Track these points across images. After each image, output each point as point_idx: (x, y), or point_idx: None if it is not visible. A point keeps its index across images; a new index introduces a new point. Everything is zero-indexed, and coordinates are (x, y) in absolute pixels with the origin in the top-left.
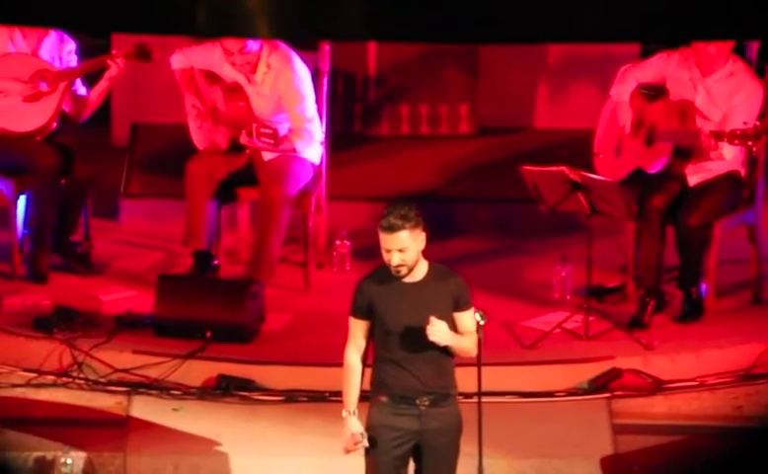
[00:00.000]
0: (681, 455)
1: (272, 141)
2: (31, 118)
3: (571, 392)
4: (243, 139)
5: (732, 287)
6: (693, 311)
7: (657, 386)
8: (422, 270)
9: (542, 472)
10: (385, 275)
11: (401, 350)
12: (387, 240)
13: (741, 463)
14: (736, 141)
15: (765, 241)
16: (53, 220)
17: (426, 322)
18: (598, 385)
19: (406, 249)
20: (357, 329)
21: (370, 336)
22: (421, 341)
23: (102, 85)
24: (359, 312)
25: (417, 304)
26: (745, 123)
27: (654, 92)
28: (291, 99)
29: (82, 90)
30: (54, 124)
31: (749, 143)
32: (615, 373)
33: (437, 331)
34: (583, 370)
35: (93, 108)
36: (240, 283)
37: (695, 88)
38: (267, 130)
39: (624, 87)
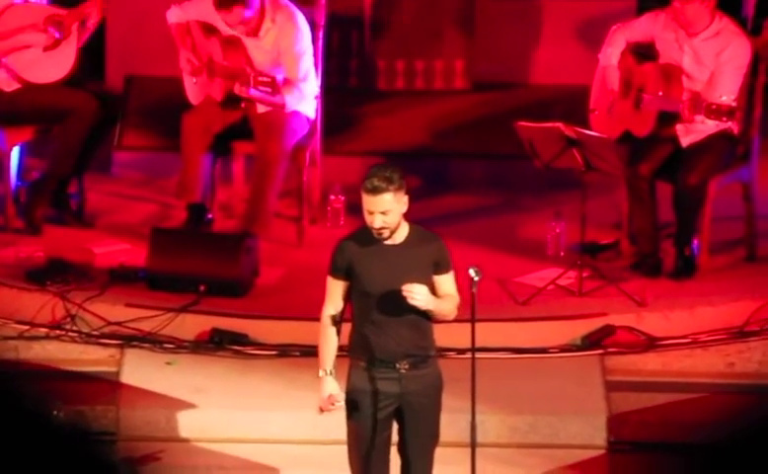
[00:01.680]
0: (674, 412)
1: (270, 89)
2: (54, 67)
3: (564, 349)
4: (237, 89)
5: (726, 245)
6: (686, 268)
7: (650, 343)
8: (402, 232)
9: (535, 428)
10: (366, 236)
11: (379, 313)
12: (370, 202)
13: (733, 420)
14: (712, 116)
15: (760, 199)
16: (69, 171)
17: (405, 285)
18: (591, 342)
19: (389, 211)
20: (335, 289)
21: (348, 296)
22: (399, 304)
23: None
24: (338, 272)
25: (396, 267)
26: (721, 96)
27: (645, 52)
28: (290, 56)
29: None
30: (78, 66)
31: (724, 119)
32: (608, 330)
33: (417, 295)
34: (577, 327)
35: (87, 35)
36: (234, 237)
37: (681, 49)
38: (265, 78)
39: (612, 49)
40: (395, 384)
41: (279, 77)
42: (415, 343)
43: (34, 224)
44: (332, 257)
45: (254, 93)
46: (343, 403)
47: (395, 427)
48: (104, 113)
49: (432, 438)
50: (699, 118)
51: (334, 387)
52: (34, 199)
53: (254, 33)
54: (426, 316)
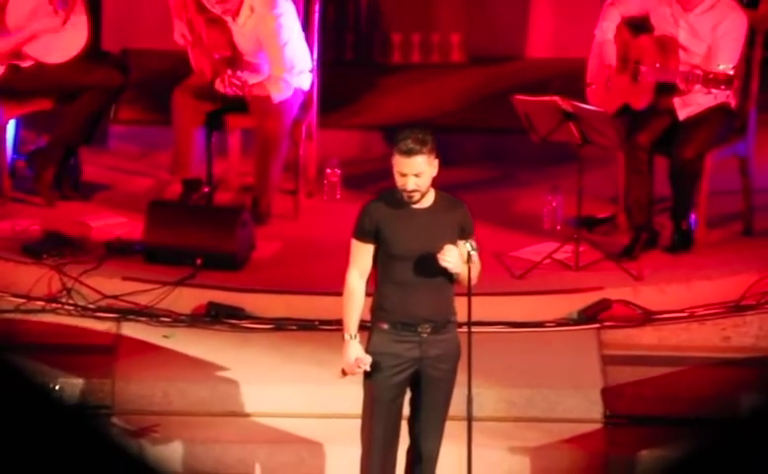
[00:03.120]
0: (670, 386)
1: (240, 93)
2: (71, 41)
3: (560, 323)
4: (217, 85)
5: (723, 219)
6: (683, 242)
7: (647, 317)
8: (429, 197)
9: (531, 402)
10: (392, 199)
11: (405, 276)
12: (404, 164)
13: (728, 394)
14: (710, 85)
15: (756, 173)
16: (78, 142)
17: (433, 249)
18: (588, 316)
19: (421, 174)
20: (362, 252)
21: (374, 260)
22: (426, 267)
23: None
24: (366, 235)
25: (424, 231)
26: (718, 65)
27: (640, 25)
28: (273, 45)
29: None
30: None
31: (722, 88)
32: (605, 304)
33: (450, 258)
34: (573, 301)
35: None
36: (230, 211)
37: (677, 23)
38: (236, 82)
39: (608, 24)
40: (415, 348)
41: (266, 69)
42: (437, 307)
43: (47, 192)
44: (358, 219)
45: (229, 91)
46: (368, 366)
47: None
48: (126, 84)
49: (446, 407)
50: (697, 87)
51: (360, 350)
52: (41, 169)
53: (233, 17)
54: (450, 281)
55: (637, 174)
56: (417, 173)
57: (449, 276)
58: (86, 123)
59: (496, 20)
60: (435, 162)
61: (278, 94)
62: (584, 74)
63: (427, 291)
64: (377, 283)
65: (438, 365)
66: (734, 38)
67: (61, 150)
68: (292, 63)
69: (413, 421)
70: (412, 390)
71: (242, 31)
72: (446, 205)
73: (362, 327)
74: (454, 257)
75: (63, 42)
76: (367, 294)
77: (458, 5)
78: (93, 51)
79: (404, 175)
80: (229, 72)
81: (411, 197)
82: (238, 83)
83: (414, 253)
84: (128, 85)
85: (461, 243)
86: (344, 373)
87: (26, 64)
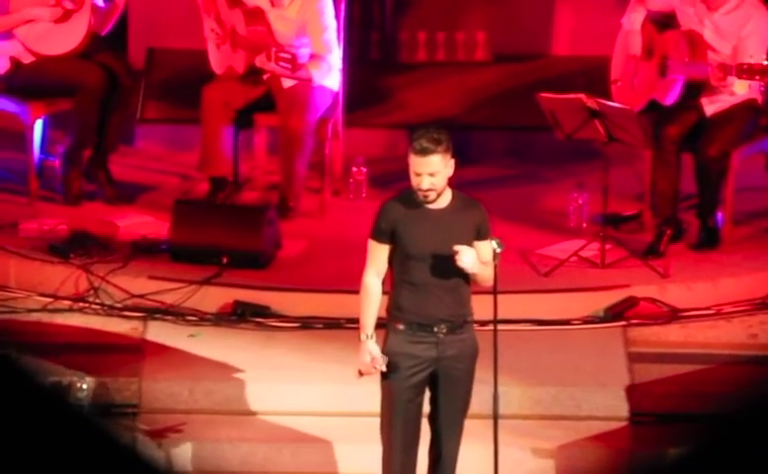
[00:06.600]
0: (696, 383)
1: (290, 66)
2: (65, 39)
3: (587, 320)
4: (259, 62)
5: (749, 216)
6: (709, 240)
7: (673, 314)
8: (446, 197)
9: (557, 400)
10: (409, 199)
11: (422, 276)
12: (418, 163)
13: (755, 391)
14: (744, 76)
15: None
16: (91, 141)
17: (449, 249)
18: (614, 313)
19: (437, 173)
20: (378, 252)
21: (390, 260)
22: (442, 268)
23: None
24: (382, 236)
25: (441, 231)
26: (751, 56)
27: (666, 21)
28: (316, 26)
29: (100, 1)
30: (90, 41)
31: (757, 78)
32: (631, 302)
33: (467, 258)
34: (599, 299)
35: (114, 18)
36: (256, 210)
37: (701, 22)
38: (285, 55)
39: (635, 16)
40: (432, 348)
41: (305, 50)
42: (454, 307)
43: (71, 196)
44: (375, 220)
45: (274, 67)
46: (384, 366)
47: (427, 396)
48: (112, 85)
49: (465, 406)
50: (730, 79)
51: (376, 350)
52: (67, 171)
53: (274, 2)
54: (467, 281)
55: (664, 166)
56: (431, 172)
57: (466, 277)
58: (86, 126)
59: (520, 18)
60: (451, 162)
61: (319, 73)
62: (609, 72)
63: (444, 292)
64: (393, 284)
65: (456, 365)
66: (761, 37)
67: (78, 155)
68: (334, 45)
69: (432, 420)
70: (430, 389)
71: (284, 14)
72: (463, 205)
73: (381, 325)
74: (470, 257)
75: (56, 37)
76: (385, 292)
77: (483, 3)
78: (85, 54)
79: (419, 174)
80: (275, 49)
81: (426, 197)
82: (287, 56)
83: (430, 253)
84: (127, 88)
85: (485, 242)
86: (360, 374)
87: (27, 60)
